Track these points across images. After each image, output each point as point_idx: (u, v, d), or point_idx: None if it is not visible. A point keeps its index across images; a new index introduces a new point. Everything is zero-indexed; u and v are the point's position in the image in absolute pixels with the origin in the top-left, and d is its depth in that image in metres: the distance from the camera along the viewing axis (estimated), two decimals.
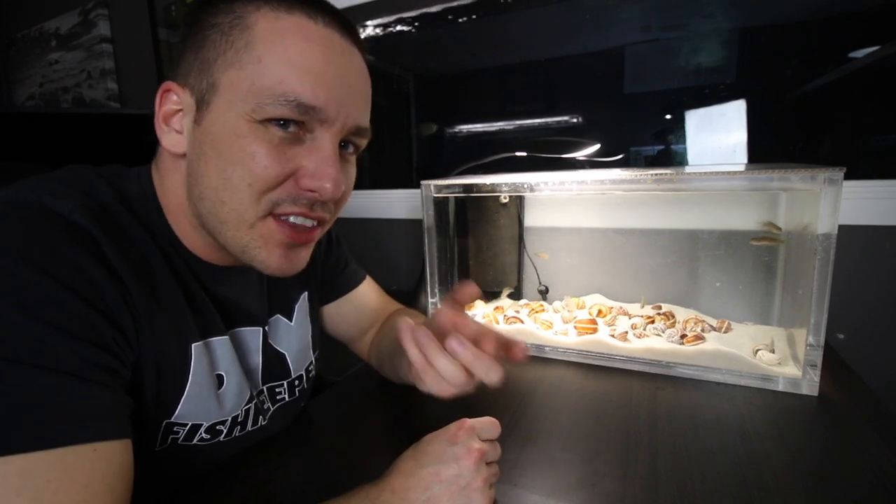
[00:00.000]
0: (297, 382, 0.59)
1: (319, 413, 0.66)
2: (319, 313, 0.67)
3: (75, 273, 0.34)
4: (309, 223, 0.44)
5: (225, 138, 0.40)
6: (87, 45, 1.93)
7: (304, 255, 0.46)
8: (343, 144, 0.45)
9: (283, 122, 0.40)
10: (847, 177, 0.58)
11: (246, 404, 0.50)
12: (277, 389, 0.56)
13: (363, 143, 0.47)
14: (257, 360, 0.53)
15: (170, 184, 0.45)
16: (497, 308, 0.97)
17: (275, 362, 0.55)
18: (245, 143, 0.39)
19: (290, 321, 0.59)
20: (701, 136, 1.03)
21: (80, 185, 0.41)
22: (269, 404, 0.54)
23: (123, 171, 0.47)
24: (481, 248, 1.03)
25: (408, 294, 1.09)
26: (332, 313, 0.69)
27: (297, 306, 0.60)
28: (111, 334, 0.36)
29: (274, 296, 0.57)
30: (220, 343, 0.47)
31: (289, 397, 0.57)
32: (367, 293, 0.72)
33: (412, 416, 0.63)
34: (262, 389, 0.53)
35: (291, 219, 0.42)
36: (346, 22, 0.43)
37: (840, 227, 0.58)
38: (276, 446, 0.56)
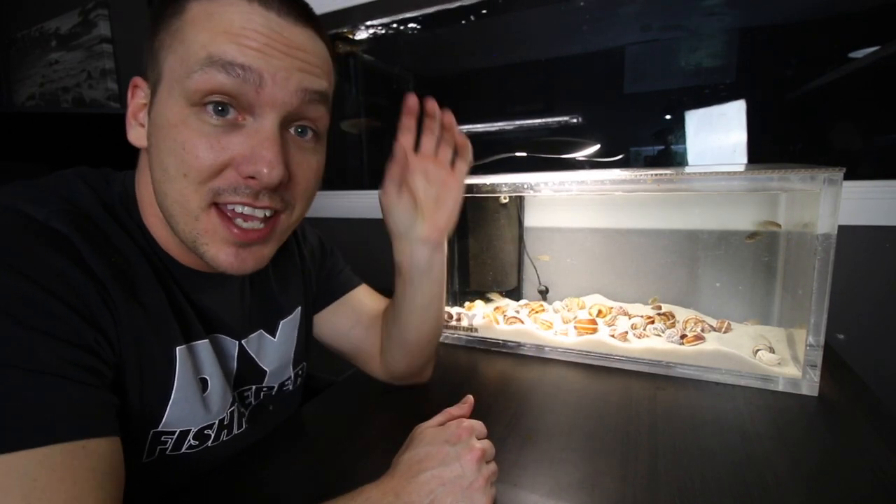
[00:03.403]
0: (265, 389, 0.57)
1: (318, 413, 0.65)
2: (312, 325, 0.66)
3: (53, 276, 0.34)
4: (259, 214, 0.41)
5: (162, 128, 0.39)
6: (87, 45, 1.93)
7: (262, 252, 0.43)
8: (300, 130, 0.43)
9: (221, 108, 0.38)
10: (847, 177, 0.58)
11: (230, 407, 0.50)
12: (245, 393, 0.55)
13: (320, 116, 0.43)
14: (233, 366, 0.52)
15: (143, 179, 0.44)
16: (497, 308, 0.97)
17: (252, 373, 0.55)
18: (177, 133, 0.38)
19: (274, 337, 0.57)
20: (701, 136, 1.03)
21: (60, 191, 0.41)
22: (243, 408, 0.54)
23: (111, 174, 0.46)
24: (481, 248, 1.03)
25: None
26: (331, 321, 0.66)
27: (283, 322, 0.58)
28: (92, 336, 0.35)
29: (257, 310, 0.55)
30: (203, 346, 0.47)
31: (255, 401, 0.56)
32: (365, 295, 0.69)
33: (411, 416, 0.63)
34: (234, 394, 0.53)
35: (238, 209, 0.40)
36: (293, 1, 0.40)
37: (840, 227, 0.58)
38: (274, 447, 0.56)
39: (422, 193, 0.56)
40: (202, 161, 0.38)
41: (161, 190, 0.40)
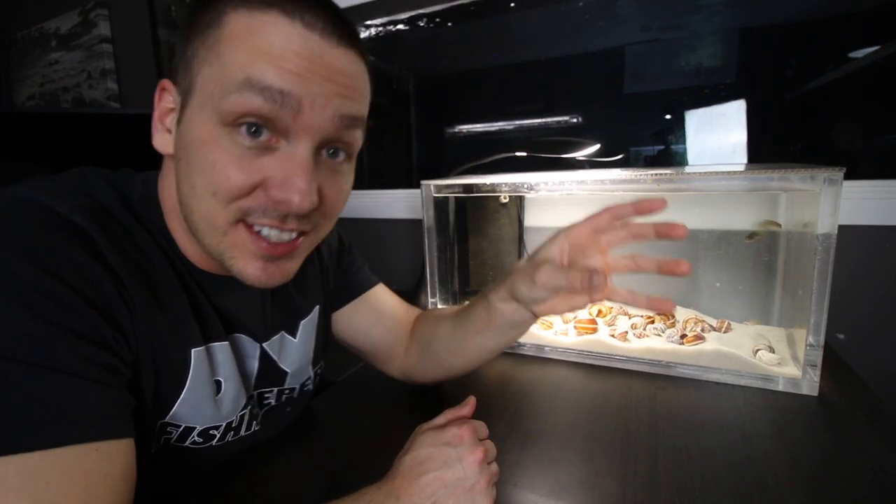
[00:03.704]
0: (287, 391, 0.57)
1: (320, 413, 0.65)
2: (332, 323, 0.65)
3: (74, 271, 0.34)
4: (286, 236, 0.41)
5: (192, 143, 0.38)
6: (87, 45, 1.93)
7: (288, 267, 0.43)
8: (332, 152, 0.42)
9: (255, 129, 0.37)
10: (847, 177, 0.58)
11: (241, 410, 0.50)
12: (266, 395, 0.55)
13: (355, 140, 0.42)
14: (254, 365, 0.52)
15: (167, 185, 0.44)
16: None
17: (272, 373, 0.55)
18: (208, 151, 0.37)
19: (295, 338, 0.57)
20: (701, 136, 1.03)
21: (81, 187, 0.41)
22: (258, 409, 0.54)
23: (130, 174, 0.46)
24: (481, 248, 1.03)
25: (408, 294, 1.09)
26: (351, 319, 0.65)
27: (303, 322, 0.58)
28: (110, 333, 0.35)
29: (278, 312, 0.55)
30: (221, 348, 0.47)
31: (275, 402, 0.56)
32: (384, 295, 0.68)
33: (412, 416, 0.63)
34: (253, 394, 0.53)
35: (264, 231, 0.40)
36: (338, 20, 0.39)
37: (840, 227, 0.58)
38: (276, 446, 0.56)
39: (565, 281, 0.48)
40: (232, 182, 0.37)
41: (188, 204, 0.40)
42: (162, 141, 0.42)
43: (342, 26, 0.39)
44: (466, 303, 0.99)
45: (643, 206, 0.47)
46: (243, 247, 0.40)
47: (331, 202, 0.43)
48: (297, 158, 0.38)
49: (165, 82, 0.42)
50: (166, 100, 0.42)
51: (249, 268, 0.41)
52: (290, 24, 0.36)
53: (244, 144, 0.37)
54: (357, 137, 0.43)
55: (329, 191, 0.42)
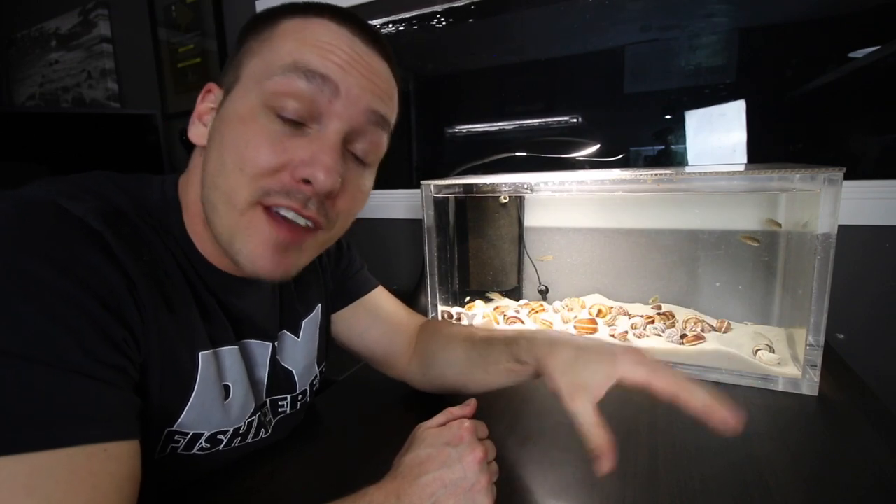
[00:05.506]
0: (300, 397, 0.58)
1: (320, 413, 0.66)
2: (331, 324, 0.65)
3: (89, 272, 0.34)
4: (301, 221, 0.41)
5: (229, 123, 0.40)
6: (87, 45, 1.93)
7: (295, 260, 0.43)
8: (359, 156, 0.44)
9: (291, 114, 0.39)
10: (847, 177, 0.58)
11: (250, 416, 0.50)
12: (280, 403, 0.55)
13: (381, 141, 0.45)
14: (263, 373, 0.52)
15: (191, 182, 0.45)
16: (497, 308, 0.97)
17: (281, 377, 0.55)
18: (243, 127, 0.40)
19: (297, 337, 0.57)
20: (701, 136, 1.03)
21: (95, 189, 0.41)
22: (271, 416, 0.54)
23: (145, 178, 0.46)
24: (481, 248, 1.03)
25: (408, 294, 1.09)
26: (348, 321, 0.65)
27: (305, 321, 0.58)
28: (122, 334, 0.35)
29: (285, 311, 0.56)
30: (229, 353, 0.47)
31: (290, 410, 0.57)
32: (383, 298, 0.68)
33: (412, 415, 0.63)
34: (266, 402, 0.53)
35: (282, 212, 0.40)
36: (377, 35, 0.43)
37: (840, 227, 0.59)
38: (276, 446, 0.56)
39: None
40: (261, 158, 0.39)
41: (213, 182, 0.41)
42: (197, 133, 0.44)
43: (383, 45, 0.44)
44: (465, 313, 0.99)
45: (709, 414, 0.43)
46: (258, 229, 0.40)
47: (348, 198, 0.44)
48: (326, 139, 0.40)
49: (211, 85, 0.45)
50: (209, 100, 0.45)
51: (259, 252, 0.40)
52: (339, 27, 0.41)
53: (279, 124, 0.39)
54: (383, 141, 0.46)
55: (348, 186, 0.43)
